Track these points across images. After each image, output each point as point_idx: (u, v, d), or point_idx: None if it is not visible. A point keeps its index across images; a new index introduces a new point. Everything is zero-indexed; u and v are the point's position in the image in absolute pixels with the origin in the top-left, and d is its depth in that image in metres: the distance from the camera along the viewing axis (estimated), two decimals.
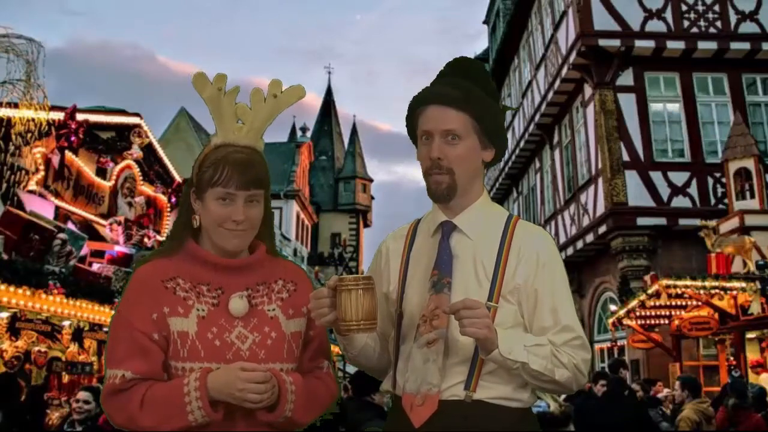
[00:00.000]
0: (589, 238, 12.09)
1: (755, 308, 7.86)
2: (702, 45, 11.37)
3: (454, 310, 1.46)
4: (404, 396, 1.58)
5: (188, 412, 1.37)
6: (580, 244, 12.58)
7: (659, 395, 7.82)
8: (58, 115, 10.01)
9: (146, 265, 1.55)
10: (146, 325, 1.44)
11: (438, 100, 1.63)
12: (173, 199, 14.33)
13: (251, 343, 1.48)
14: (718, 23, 11.51)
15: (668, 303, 8.64)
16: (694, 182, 11.15)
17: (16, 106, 8.42)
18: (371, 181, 43.94)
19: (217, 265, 1.53)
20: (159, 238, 12.72)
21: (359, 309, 1.45)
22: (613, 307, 10.84)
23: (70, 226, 9.97)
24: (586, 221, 12.33)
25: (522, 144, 16.16)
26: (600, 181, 11.48)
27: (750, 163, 9.87)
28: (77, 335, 9.33)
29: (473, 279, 1.59)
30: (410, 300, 1.64)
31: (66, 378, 9.00)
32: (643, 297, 8.64)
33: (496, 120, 1.67)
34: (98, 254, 10.64)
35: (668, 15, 11.54)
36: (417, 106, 1.67)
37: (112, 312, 1.55)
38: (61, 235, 8.83)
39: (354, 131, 44.03)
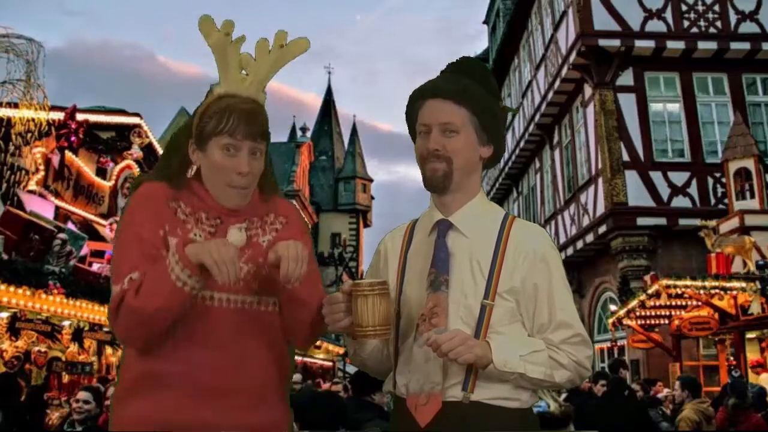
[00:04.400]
0: (589, 238, 12.08)
1: (755, 308, 7.85)
2: (702, 45, 11.36)
3: (435, 348, 1.46)
4: (409, 396, 1.58)
5: (170, 273, 1.33)
6: (580, 244, 12.58)
7: (659, 395, 7.80)
8: (58, 115, 10.02)
9: (150, 184, 1.53)
10: (156, 238, 1.43)
11: (436, 93, 1.64)
12: None
13: (246, 273, 1.48)
14: (718, 23, 11.50)
15: (668, 303, 8.63)
16: (694, 182, 11.15)
17: (16, 106, 8.42)
18: (371, 181, 43.95)
19: (216, 207, 1.52)
20: None
21: (375, 315, 1.45)
22: (613, 307, 10.84)
23: (70, 226, 9.98)
24: (586, 221, 12.33)
25: (522, 144, 16.15)
26: (600, 181, 11.48)
27: (750, 163, 9.86)
28: (77, 335, 9.33)
29: (469, 277, 1.59)
30: (409, 299, 1.64)
31: (66, 378, 9.00)
32: (643, 297, 8.63)
33: (494, 116, 1.67)
34: (98, 254, 10.65)
35: (668, 15, 11.53)
36: (416, 99, 1.69)
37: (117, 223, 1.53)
38: (61, 235, 8.83)
39: (354, 131, 44.05)
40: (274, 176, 1.68)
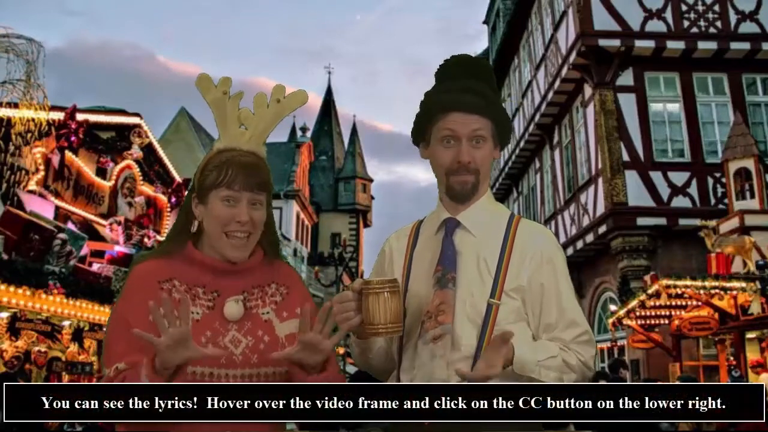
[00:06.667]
0: (589, 238, 12.08)
1: (755, 308, 7.85)
2: (702, 45, 11.36)
3: (476, 379, 1.44)
4: None
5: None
6: (580, 244, 12.58)
7: None
8: (58, 115, 10.02)
9: (143, 264, 1.54)
10: (143, 326, 1.42)
11: (462, 107, 1.65)
12: (173, 199, 14.34)
13: (244, 347, 1.48)
14: (718, 23, 11.50)
15: (668, 303, 8.62)
16: (694, 182, 11.15)
17: (16, 106, 8.42)
18: (371, 181, 43.95)
19: (216, 268, 1.52)
20: (159, 238, 12.73)
21: (387, 312, 1.45)
22: (613, 307, 10.83)
23: (70, 226, 9.98)
24: (586, 221, 12.32)
25: (522, 144, 16.15)
26: (600, 181, 11.48)
27: (750, 163, 9.85)
28: (77, 335, 9.34)
29: (476, 275, 1.60)
30: (414, 296, 1.65)
31: (66, 378, 9.00)
32: (643, 297, 8.63)
33: (508, 121, 1.74)
34: (98, 254, 10.65)
35: (668, 15, 11.53)
36: (439, 111, 1.68)
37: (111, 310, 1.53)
38: (61, 235, 8.84)
39: (354, 131, 44.05)
40: (277, 234, 1.68)
